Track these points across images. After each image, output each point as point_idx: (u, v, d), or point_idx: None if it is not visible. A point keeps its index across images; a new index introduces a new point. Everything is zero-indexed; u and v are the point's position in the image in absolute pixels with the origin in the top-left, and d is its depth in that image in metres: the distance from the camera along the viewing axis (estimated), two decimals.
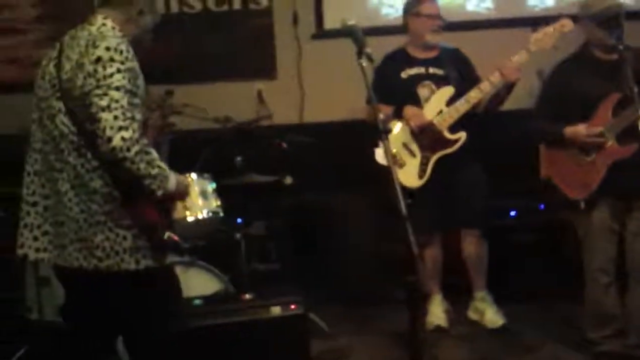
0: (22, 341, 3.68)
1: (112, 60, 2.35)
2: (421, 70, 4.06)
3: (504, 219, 4.59)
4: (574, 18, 3.69)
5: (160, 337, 2.57)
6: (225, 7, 4.92)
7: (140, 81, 2.44)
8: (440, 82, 4.02)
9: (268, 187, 4.02)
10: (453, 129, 3.96)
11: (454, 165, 3.95)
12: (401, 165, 3.92)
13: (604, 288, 3.47)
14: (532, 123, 3.62)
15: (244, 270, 3.84)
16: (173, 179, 2.48)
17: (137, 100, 2.39)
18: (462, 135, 3.94)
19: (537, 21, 3.96)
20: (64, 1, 4.74)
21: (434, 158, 3.95)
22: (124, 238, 2.43)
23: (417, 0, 4.08)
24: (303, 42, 4.91)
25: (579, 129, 3.42)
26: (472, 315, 4.16)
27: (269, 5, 4.92)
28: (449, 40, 4.17)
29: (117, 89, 2.32)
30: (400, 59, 4.10)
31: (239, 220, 3.94)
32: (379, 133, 2.44)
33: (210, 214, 3.50)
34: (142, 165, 2.34)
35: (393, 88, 3.98)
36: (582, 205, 3.43)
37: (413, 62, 4.08)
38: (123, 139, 2.29)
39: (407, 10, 4.12)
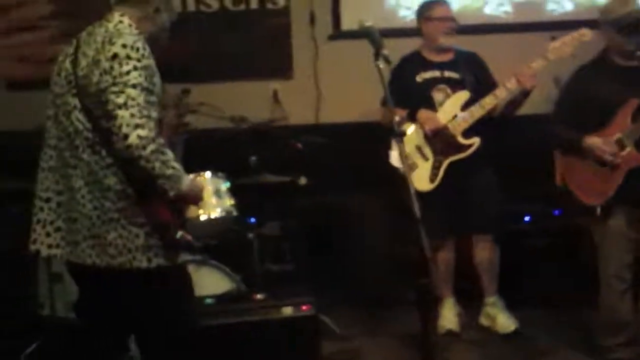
0: (34, 337, 3.69)
1: (128, 57, 2.35)
2: (436, 73, 4.04)
3: (518, 224, 4.57)
4: (594, 23, 3.66)
5: (172, 335, 2.56)
6: (242, 7, 4.92)
7: (157, 79, 2.44)
8: (455, 85, 4.00)
9: (282, 187, 4.02)
10: (467, 133, 3.93)
11: (467, 170, 3.93)
12: (413, 168, 3.90)
13: (619, 295, 3.44)
14: (550, 129, 3.59)
15: (257, 270, 3.84)
16: (187, 181, 2.48)
17: (153, 98, 2.39)
18: (475, 141, 3.92)
19: (555, 26, 3.93)
20: None
21: (446, 162, 3.93)
22: (137, 236, 2.43)
23: (429, 4, 4.07)
24: (320, 43, 4.90)
25: (596, 143, 3.38)
26: (483, 321, 4.13)
27: (286, 5, 4.92)
28: (465, 44, 4.15)
29: (134, 86, 2.32)
30: (415, 61, 4.09)
31: (253, 220, 3.94)
32: (394, 135, 2.42)
33: (224, 213, 3.51)
34: (157, 165, 2.34)
35: (408, 91, 3.96)
36: (598, 211, 3.40)
37: (428, 65, 4.06)
38: (139, 137, 2.29)
39: (420, 14, 4.12)
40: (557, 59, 3.79)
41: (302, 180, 4.03)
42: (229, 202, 3.55)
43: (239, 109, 4.21)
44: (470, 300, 4.19)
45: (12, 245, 3.42)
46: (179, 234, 2.50)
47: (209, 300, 3.52)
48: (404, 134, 3.69)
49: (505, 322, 4.01)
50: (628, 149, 3.37)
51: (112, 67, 2.35)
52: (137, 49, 2.37)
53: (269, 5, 4.91)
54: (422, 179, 3.91)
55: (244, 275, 3.85)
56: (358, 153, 4.43)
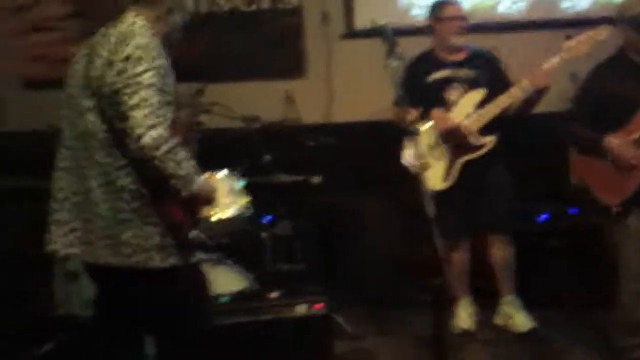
0: (51, 336, 3.71)
1: (141, 58, 2.36)
2: (450, 72, 4.02)
3: (533, 223, 4.54)
4: (609, 21, 3.64)
5: (187, 334, 2.57)
6: (254, 6, 4.93)
7: (170, 79, 2.45)
8: (469, 84, 3.98)
9: (295, 186, 4.02)
10: (481, 132, 3.91)
11: (481, 169, 3.91)
12: (426, 168, 3.88)
13: (636, 296, 3.41)
14: (567, 127, 3.56)
15: (270, 269, 3.85)
16: (200, 181, 2.48)
17: (167, 99, 2.40)
18: (490, 140, 3.90)
19: (570, 23, 3.91)
20: None
21: (460, 161, 3.91)
22: (151, 235, 2.44)
23: (440, 3, 4.06)
24: (332, 42, 4.90)
25: (614, 144, 3.35)
26: (499, 320, 4.11)
27: (299, 4, 4.92)
28: (480, 42, 4.13)
29: (147, 87, 2.33)
30: (428, 60, 4.07)
31: (266, 219, 3.95)
32: (407, 135, 2.42)
33: (237, 213, 3.51)
34: (170, 165, 2.35)
35: (421, 90, 3.95)
36: (615, 211, 3.37)
37: (441, 64, 4.05)
38: (153, 137, 2.30)
39: (431, 13, 4.10)
40: (572, 58, 3.76)
41: (315, 179, 4.03)
42: (242, 201, 3.55)
43: (252, 109, 4.22)
44: (485, 299, 4.17)
45: (28, 244, 3.44)
46: (193, 233, 2.51)
47: (223, 299, 3.53)
48: (417, 133, 3.68)
49: (522, 321, 3.99)
50: None
51: (125, 68, 2.35)
52: (151, 50, 2.38)
53: (281, 5, 4.92)
54: (435, 179, 3.90)
55: (257, 274, 3.86)
56: (371, 152, 4.43)
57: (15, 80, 4.94)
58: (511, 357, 3.81)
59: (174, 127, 2.42)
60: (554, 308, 4.22)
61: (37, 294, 3.94)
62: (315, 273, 4.37)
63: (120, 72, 2.36)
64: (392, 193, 4.30)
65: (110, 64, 2.39)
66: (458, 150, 3.93)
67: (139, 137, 2.30)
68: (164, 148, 2.32)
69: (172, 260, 2.47)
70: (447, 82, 4.01)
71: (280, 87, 4.83)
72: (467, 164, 3.91)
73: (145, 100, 2.32)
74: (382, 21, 2.55)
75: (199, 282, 2.68)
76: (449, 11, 4.02)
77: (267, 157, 3.94)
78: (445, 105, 3.99)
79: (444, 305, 3.61)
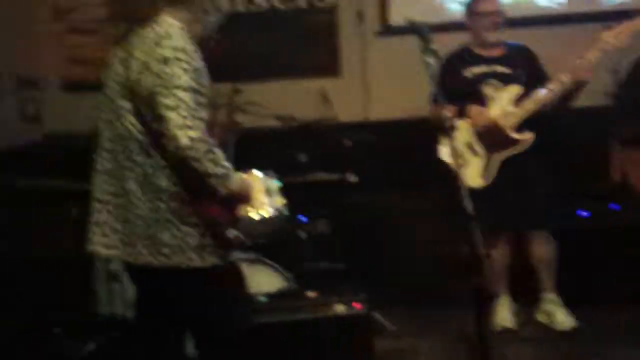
0: (93, 337, 3.75)
1: (178, 59, 2.37)
2: (487, 68, 3.98)
3: (575, 220, 4.47)
4: None
5: (226, 333, 2.59)
6: (290, 5, 4.94)
7: (205, 80, 2.46)
8: (506, 80, 3.93)
9: (332, 185, 4.02)
10: (519, 128, 3.87)
11: (520, 166, 3.86)
12: (464, 165, 3.85)
13: None
14: (612, 122, 3.50)
15: (308, 268, 3.85)
16: (237, 180, 2.50)
17: (203, 99, 2.41)
18: (528, 136, 3.85)
19: (611, 16, 3.83)
20: (132, 1, 4.84)
21: (498, 158, 3.87)
22: (190, 235, 2.45)
23: None
24: (368, 40, 4.89)
25: None
26: (540, 317, 4.07)
27: (334, 2, 4.92)
28: (518, 37, 4.08)
29: (184, 88, 2.34)
30: (465, 57, 4.04)
31: (303, 218, 3.95)
32: (444, 132, 2.40)
33: (275, 212, 3.51)
34: (208, 164, 2.36)
35: (458, 86, 3.91)
36: None
37: (478, 60, 4.00)
38: (190, 138, 2.31)
39: (466, 8, 4.07)
40: (612, 50, 3.68)
41: (352, 178, 4.02)
42: (279, 200, 3.55)
43: (288, 108, 4.23)
44: (526, 297, 4.12)
45: (71, 245, 3.49)
46: (231, 232, 2.52)
47: (261, 298, 3.54)
48: (454, 130, 3.64)
49: (563, 318, 3.95)
50: None
51: (161, 70, 2.37)
52: (186, 51, 2.39)
53: (317, 3, 4.92)
54: (473, 176, 3.86)
55: (296, 274, 3.86)
56: (407, 150, 4.40)
57: (55, 82, 5.03)
58: (553, 355, 3.76)
59: (211, 127, 2.43)
60: (595, 306, 4.15)
61: (79, 295, 3.99)
62: (354, 272, 4.36)
63: (156, 74, 2.38)
64: (432, 190, 4.27)
65: (146, 66, 2.41)
66: (495, 147, 3.88)
67: (176, 138, 2.31)
68: (201, 148, 2.33)
69: (212, 260, 2.48)
70: (483, 78, 3.97)
71: (315, 85, 4.83)
72: (506, 160, 3.87)
73: (182, 101, 2.33)
74: (416, 18, 2.53)
75: (238, 281, 2.69)
76: (483, 6, 3.97)
77: (304, 156, 3.94)
78: (482, 101, 3.95)
79: (485, 304, 3.57)
